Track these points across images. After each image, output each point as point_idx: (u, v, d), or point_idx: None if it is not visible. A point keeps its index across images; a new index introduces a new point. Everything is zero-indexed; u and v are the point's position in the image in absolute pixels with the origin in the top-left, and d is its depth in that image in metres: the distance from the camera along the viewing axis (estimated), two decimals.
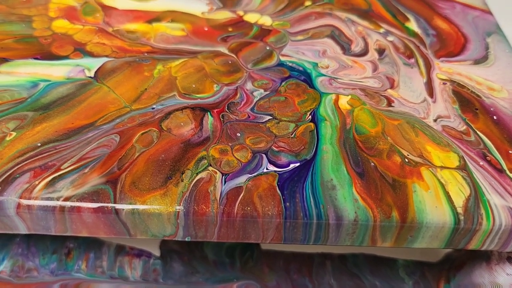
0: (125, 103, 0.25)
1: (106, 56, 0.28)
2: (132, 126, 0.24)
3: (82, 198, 0.21)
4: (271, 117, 0.25)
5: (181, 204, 0.21)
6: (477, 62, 0.28)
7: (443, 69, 0.28)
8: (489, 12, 0.32)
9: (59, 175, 0.22)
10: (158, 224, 0.21)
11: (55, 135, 0.24)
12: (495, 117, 0.25)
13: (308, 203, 0.21)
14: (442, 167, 0.23)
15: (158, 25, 0.31)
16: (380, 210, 0.21)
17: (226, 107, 0.25)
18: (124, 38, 0.30)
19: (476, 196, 0.21)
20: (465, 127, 0.25)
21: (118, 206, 0.21)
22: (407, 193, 0.21)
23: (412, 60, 0.28)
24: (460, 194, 0.21)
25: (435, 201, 0.21)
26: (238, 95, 0.26)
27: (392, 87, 0.27)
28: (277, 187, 0.21)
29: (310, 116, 0.25)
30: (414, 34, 0.30)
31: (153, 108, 0.25)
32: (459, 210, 0.21)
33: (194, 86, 0.27)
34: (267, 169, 0.22)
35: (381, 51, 0.29)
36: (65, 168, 0.22)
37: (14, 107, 0.25)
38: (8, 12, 0.32)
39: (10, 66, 0.28)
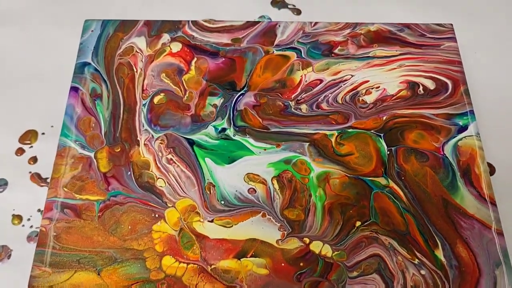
0: None
1: None
2: None
3: None
4: None
5: None
6: None
7: None
8: (501, 233, 0.41)
9: None
10: None
11: None
12: None
13: None
14: None
15: (246, 261, 0.40)
16: None
17: None
18: (222, 280, 0.39)
19: None
20: None
21: None
22: None
23: None
24: None
25: None
26: None
27: None
28: None
29: None
30: (440, 266, 0.40)
31: None
32: None
33: None
34: None
35: None
36: None
37: None
38: (121, 246, 0.41)
39: None
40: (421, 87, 0.47)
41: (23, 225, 0.50)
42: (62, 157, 0.44)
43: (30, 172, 0.52)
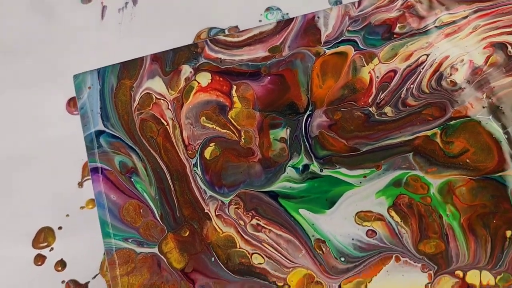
0: None
1: None
2: None
3: None
4: None
5: None
6: None
7: None
8: None
9: None
10: None
11: None
12: None
13: None
14: None
15: None
16: None
17: None
18: None
19: None
20: None
21: None
22: None
23: None
24: None
25: None
26: None
27: None
28: None
29: None
30: None
31: None
32: None
33: None
34: None
35: None
36: None
37: None
38: None
39: None
40: (509, 47, 0.41)
41: None
42: (116, 265, 0.34)
43: (63, 282, 0.42)
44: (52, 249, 0.43)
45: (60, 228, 0.44)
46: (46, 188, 0.46)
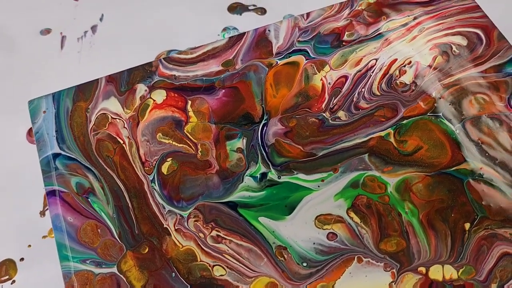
0: None
1: None
2: None
3: None
4: None
5: None
6: None
7: None
8: None
9: None
10: None
11: None
12: None
13: None
14: None
15: None
16: None
17: None
18: None
19: None
20: None
21: None
22: None
23: None
24: None
25: None
26: None
27: None
28: None
29: None
30: None
31: None
32: None
33: None
34: None
35: None
36: None
37: None
38: None
39: None
40: (454, 47, 0.41)
41: None
42: None
43: None
44: (13, 281, 0.41)
45: (22, 259, 0.42)
46: (7, 219, 0.44)
